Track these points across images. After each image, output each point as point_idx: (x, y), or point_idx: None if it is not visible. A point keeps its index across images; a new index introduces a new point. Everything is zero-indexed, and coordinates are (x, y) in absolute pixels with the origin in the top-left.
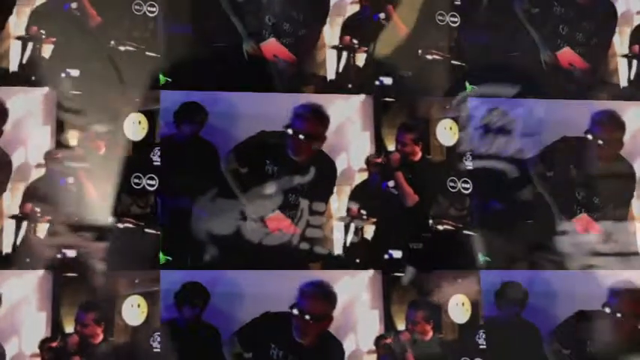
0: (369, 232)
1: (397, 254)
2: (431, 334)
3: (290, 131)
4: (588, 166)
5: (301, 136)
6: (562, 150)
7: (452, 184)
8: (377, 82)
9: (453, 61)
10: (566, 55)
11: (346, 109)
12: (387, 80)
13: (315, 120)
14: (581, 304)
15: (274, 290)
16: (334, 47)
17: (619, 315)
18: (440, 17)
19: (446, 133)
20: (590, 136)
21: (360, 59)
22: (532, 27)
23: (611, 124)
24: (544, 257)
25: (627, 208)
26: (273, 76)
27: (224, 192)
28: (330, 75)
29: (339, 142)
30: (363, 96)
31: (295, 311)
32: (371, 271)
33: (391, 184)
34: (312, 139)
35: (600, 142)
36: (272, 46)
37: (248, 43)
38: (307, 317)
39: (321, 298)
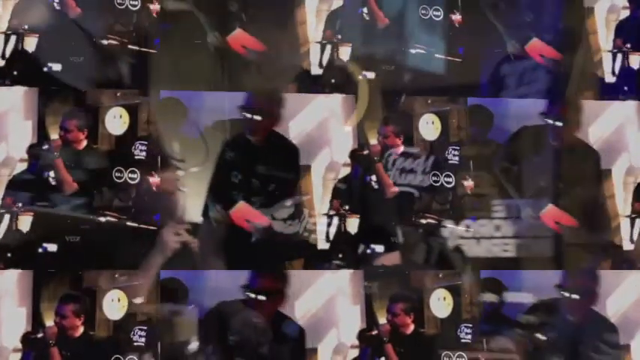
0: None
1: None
2: (412, 327)
3: (246, 114)
4: (549, 152)
5: (257, 117)
6: (523, 140)
7: (435, 177)
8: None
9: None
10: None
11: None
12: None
13: (267, 99)
14: None
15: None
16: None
17: None
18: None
19: (428, 127)
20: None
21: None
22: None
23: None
24: None
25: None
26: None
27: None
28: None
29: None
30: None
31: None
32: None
33: (374, 177)
34: (265, 116)
35: (559, 123)
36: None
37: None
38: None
39: (271, 275)
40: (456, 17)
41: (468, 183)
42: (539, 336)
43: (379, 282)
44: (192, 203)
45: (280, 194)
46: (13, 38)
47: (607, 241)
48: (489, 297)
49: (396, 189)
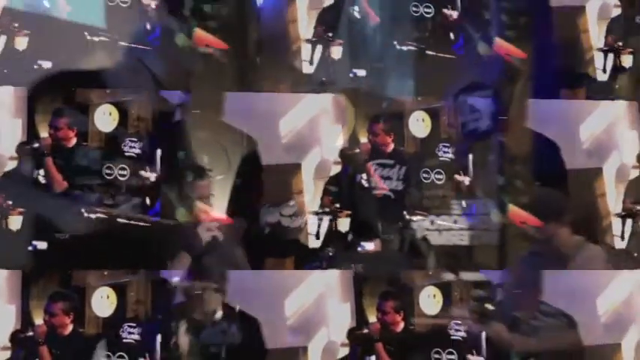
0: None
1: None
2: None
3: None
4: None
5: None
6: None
7: (425, 175)
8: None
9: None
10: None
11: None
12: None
13: None
14: None
15: None
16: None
17: None
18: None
19: (418, 124)
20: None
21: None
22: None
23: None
24: None
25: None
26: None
27: None
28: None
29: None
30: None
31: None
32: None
33: (364, 176)
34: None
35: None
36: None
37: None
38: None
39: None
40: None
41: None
42: (487, 306)
43: (365, 264)
44: (218, 205)
45: None
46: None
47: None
48: (448, 276)
49: (386, 187)
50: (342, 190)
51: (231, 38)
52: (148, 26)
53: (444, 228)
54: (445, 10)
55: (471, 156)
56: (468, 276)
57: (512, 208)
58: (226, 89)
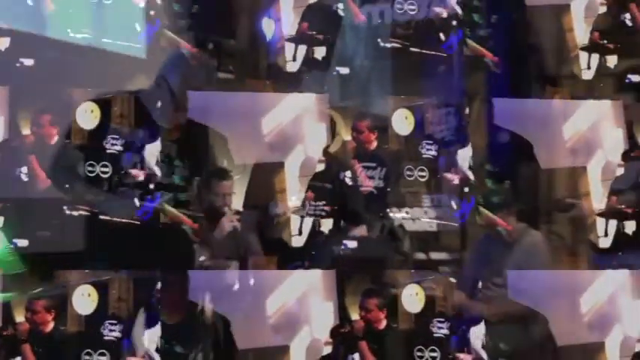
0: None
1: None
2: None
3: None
4: None
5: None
6: None
7: (409, 172)
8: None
9: None
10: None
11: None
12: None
13: None
14: None
15: None
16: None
17: None
18: None
19: (403, 123)
20: None
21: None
22: None
23: None
24: None
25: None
26: None
27: None
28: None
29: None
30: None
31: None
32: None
33: (348, 174)
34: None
35: None
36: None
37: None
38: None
39: None
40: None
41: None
42: (451, 279)
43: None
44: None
45: None
46: None
47: None
48: (420, 255)
49: (370, 184)
50: (327, 188)
51: (245, 66)
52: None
53: (416, 217)
54: (435, 8)
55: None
56: (435, 255)
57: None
58: None
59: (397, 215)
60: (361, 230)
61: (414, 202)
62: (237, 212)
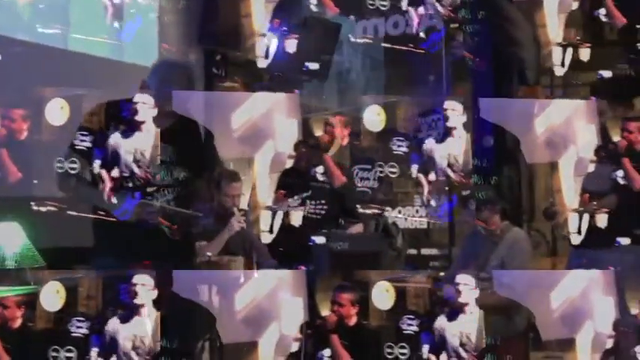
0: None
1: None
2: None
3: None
4: None
5: None
6: None
7: (380, 168)
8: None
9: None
10: None
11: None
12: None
13: None
14: None
15: None
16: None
17: None
18: None
19: (375, 119)
20: None
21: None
22: None
23: None
24: None
25: None
26: None
27: None
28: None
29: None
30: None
31: None
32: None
33: (320, 169)
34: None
35: None
36: None
37: None
38: None
39: None
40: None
41: None
42: (441, 273)
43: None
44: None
45: None
46: None
47: None
48: (412, 251)
49: (344, 179)
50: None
51: (250, 75)
52: None
53: (408, 215)
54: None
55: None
56: (426, 251)
57: None
58: None
59: (390, 213)
60: (358, 228)
61: (406, 201)
62: (242, 211)
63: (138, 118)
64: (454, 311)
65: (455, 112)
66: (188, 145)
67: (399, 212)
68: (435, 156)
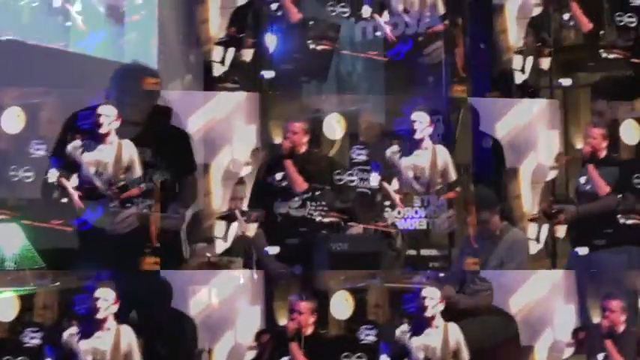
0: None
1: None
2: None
3: None
4: None
5: None
6: None
7: (337, 176)
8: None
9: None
10: None
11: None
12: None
13: None
14: None
15: None
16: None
17: None
18: None
19: (334, 127)
20: None
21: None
22: None
23: None
24: None
25: None
26: None
27: None
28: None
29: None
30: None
31: None
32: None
33: (278, 176)
34: None
35: None
36: None
37: None
38: None
39: None
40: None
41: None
42: (440, 274)
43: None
44: None
45: None
46: None
47: None
48: (411, 251)
49: (305, 185)
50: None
51: (250, 77)
52: None
53: (407, 216)
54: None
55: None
56: (425, 252)
57: None
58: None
59: (390, 214)
60: (357, 229)
61: (405, 202)
62: (243, 212)
63: (101, 130)
64: (419, 324)
65: (422, 124)
66: (167, 148)
67: (399, 213)
68: (399, 167)
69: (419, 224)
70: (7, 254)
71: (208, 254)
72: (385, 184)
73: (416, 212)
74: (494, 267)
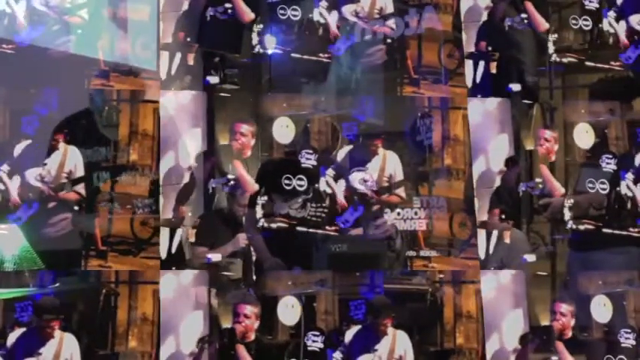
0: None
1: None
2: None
3: None
4: None
5: None
6: None
7: (287, 181)
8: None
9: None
10: None
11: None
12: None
13: None
14: None
15: None
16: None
17: None
18: None
19: (282, 131)
20: None
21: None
22: None
23: None
24: None
25: None
26: None
27: None
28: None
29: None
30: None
31: None
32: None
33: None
34: None
35: None
36: None
37: None
38: None
39: None
40: None
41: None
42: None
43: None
44: None
45: None
46: None
47: None
48: (411, 252)
49: (255, 187)
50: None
51: (249, 78)
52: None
53: (407, 217)
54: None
55: None
56: (425, 252)
57: None
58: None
59: (390, 215)
60: (357, 230)
61: (404, 203)
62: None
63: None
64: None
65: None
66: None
67: (398, 214)
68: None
69: (418, 225)
70: (7, 255)
71: (209, 255)
72: (333, 185)
73: (415, 213)
74: (493, 268)
